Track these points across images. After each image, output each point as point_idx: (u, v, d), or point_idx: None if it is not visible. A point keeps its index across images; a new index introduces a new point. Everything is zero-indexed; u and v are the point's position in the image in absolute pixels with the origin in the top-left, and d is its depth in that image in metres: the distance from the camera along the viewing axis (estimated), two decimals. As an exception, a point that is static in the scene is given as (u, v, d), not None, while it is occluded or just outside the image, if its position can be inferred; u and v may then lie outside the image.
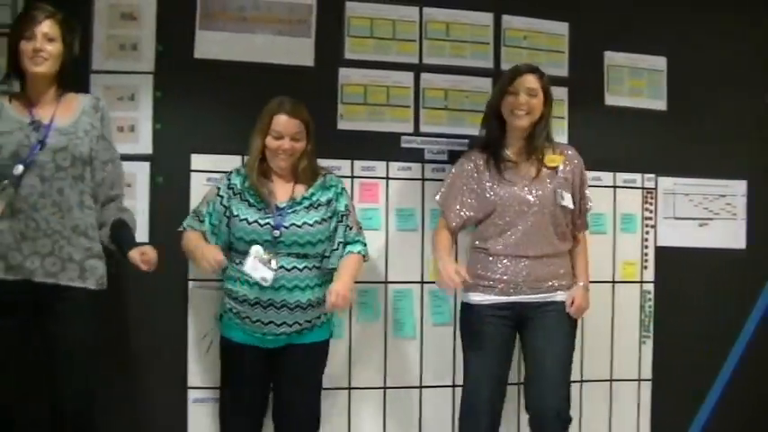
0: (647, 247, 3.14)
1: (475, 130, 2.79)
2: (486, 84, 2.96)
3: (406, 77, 2.91)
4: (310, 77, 2.81)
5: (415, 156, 2.91)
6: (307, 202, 2.39)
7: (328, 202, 2.42)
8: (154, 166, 2.65)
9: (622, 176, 3.10)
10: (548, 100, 2.52)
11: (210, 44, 2.73)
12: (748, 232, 3.26)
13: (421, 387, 2.89)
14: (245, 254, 2.30)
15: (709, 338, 3.21)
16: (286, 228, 2.32)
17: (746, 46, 3.31)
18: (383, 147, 2.86)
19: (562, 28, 3.06)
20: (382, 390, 2.84)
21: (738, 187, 3.26)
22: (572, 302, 2.50)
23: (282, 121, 2.36)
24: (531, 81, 2.47)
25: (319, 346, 2.47)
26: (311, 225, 2.36)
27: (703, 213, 3.23)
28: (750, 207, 3.27)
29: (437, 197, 2.62)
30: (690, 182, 3.21)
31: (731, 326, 3.22)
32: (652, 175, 3.15)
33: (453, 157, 2.87)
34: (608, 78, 3.12)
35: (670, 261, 3.16)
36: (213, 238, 2.37)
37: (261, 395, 2.48)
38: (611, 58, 3.13)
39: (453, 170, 2.61)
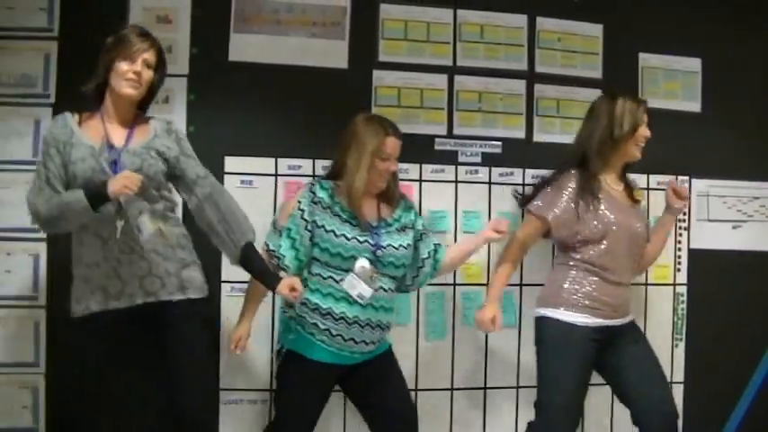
0: (680, 249, 3.19)
1: (508, 133, 2.92)
2: (519, 86, 3.02)
3: (440, 79, 2.97)
4: (344, 80, 2.88)
5: (449, 158, 2.98)
6: (397, 225, 2.48)
7: (412, 225, 2.53)
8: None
9: (656, 178, 3.14)
10: None
11: (245, 47, 2.81)
12: (782, 234, 3.31)
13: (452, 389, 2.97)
14: (337, 268, 2.36)
15: (743, 341, 3.25)
16: (384, 248, 2.40)
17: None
18: (417, 149, 2.90)
19: (596, 30, 3.11)
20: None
21: None
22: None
23: (392, 143, 2.43)
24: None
25: (389, 353, 2.55)
26: (405, 248, 2.46)
27: (737, 215, 3.26)
28: (784, 209, 3.31)
29: (532, 207, 2.63)
30: (724, 183, 3.25)
31: (765, 328, 3.26)
32: (686, 177, 3.20)
33: (486, 159, 2.94)
34: (642, 80, 3.17)
35: (703, 263, 3.20)
36: (292, 252, 2.38)
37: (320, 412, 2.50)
38: (646, 59, 3.17)
39: (556, 184, 2.60)
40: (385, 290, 2.40)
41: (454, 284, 2.96)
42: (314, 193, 2.41)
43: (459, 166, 2.97)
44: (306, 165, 2.86)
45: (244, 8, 2.80)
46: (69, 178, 2.16)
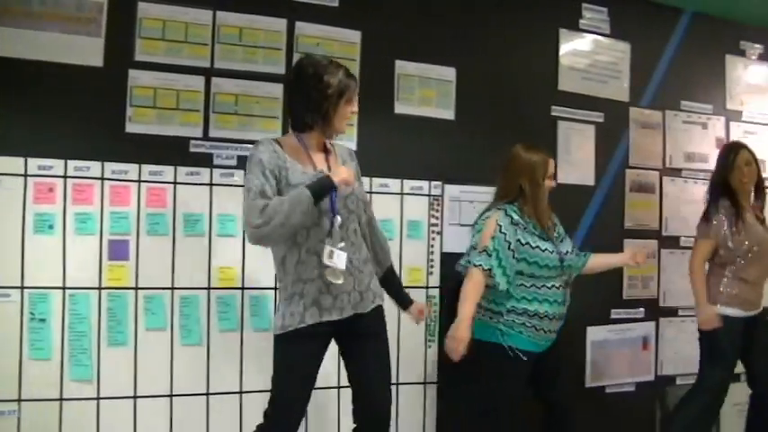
0: (432, 253, 4.04)
1: (265, 136, 3.49)
2: (277, 89, 3.68)
3: (197, 81, 3.54)
4: (99, 78, 3.37)
5: (204, 161, 3.55)
6: (560, 235, 3.57)
7: (567, 236, 3.62)
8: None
9: (410, 183, 3.96)
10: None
11: (-7, 40, 3.19)
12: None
13: (208, 394, 3.55)
14: (538, 278, 3.42)
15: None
16: (565, 254, 3.47)
17: (532, 60, 4.39)
18: (171, 151, 3.47)
19: (355, 36, 3.85)
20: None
21: None
22: None
23: (552, 165, 3.55)
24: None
25: None
26: (572, 253, 3.54)
27: (487, 220, 4.18)
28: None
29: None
30: (475, 189, 4.14)
31: None
32: (439, 183, 4.06)
33: (242, 162, 3.50)
34: (398, 87, 3.98)
35: (455, 266, 4.05)
36: (500, 271, 3.32)
37: None
38: (402, 67, 4.00)
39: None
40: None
41: (208, 288, 3.55)
42: (511, 216, 3.40)
43: (214, 169, 3.55)
44: (57, 165, 3.31)
45: (-9, -2, 3.16)
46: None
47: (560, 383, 3.61)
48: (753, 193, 4.15)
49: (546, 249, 3.41)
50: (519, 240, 3.37)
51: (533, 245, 3.39)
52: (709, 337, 4.00)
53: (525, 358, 3.37)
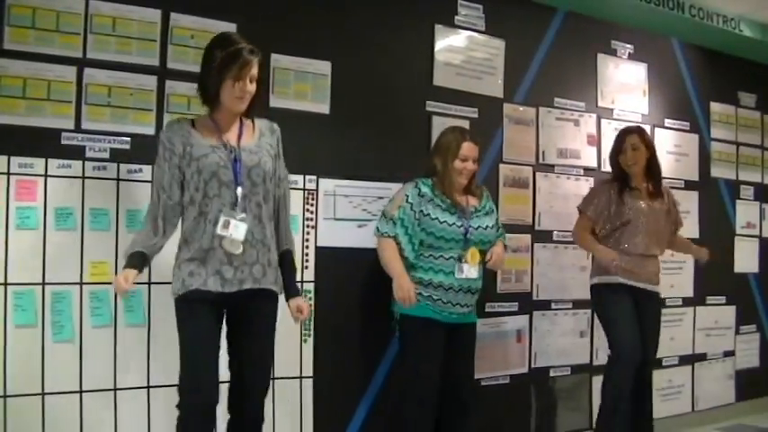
0: (307, 247, 4.34)
1: (138, 128, 3.79)
2: (151, 81, 3.90)
3: (69, 72, 3.69)
4: (-36, 67, 3.50)
5: (76, 153, 3.68)
6: (482, 210, 4.11)
7: (492, 211, 4.17)
8: None
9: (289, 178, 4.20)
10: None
11: None
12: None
13: (81, 392, 3.71)
14: (436, 249, 3.98)
15: (367, 336, 4.50)
16: (475, 229, 3.98)
17: (407, 55, 4.76)
18: (42, 143, 3.62)
19: (230, 28, 4.01)
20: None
21: (396, 189, 4.50)
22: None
23: (468, 147, 4.04)
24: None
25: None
26: (492, 228, 4.11)
27: (362, 215, 4.53)
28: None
29: None
30: (350, 184, 4.48)
31: (388, 324, 4.28)
32: (314, 177, 4.38)
33: (115, 155, 3.76)
34: (273, 80, 4.26)
35: (330, 261, 4.39)
36: (406, 238, 3.96)
37: None
38: (277, 60, 4.28)
39: None
40: None
41: (81, 284, 3.72)
42: (419, 189, 4.00)
43: (86, 162, 3.68)
44: None
45: None
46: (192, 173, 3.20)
47: (459, 366, 4.14)
48: (644, 176, 4.79)
49: (445, 221, 3.96)
50: (422, 211, 3.96)
51: (433, 216, 3.97)
52: (601, 307, 4.85)
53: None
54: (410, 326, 4.02)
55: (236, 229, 3.18)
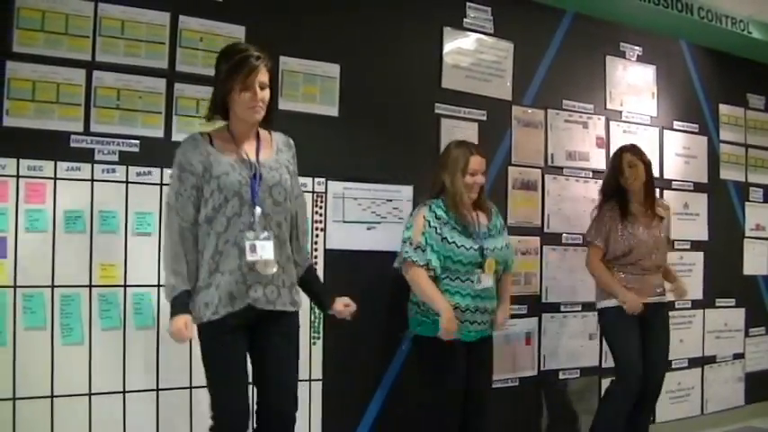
0: (316, 249, 4.31)
1: (147, 131, 3.77)
2: (159, 84, 3.88)
3: (78, 74, 3.69)
4: (-27, 71, 3.49)
5: (85, 156, 3.67)
6: (495, 230, 4.09)
7: (503, 229, 4.17)
8: None
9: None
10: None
11: None
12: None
13: (90, 394, 3.69)
14: (453, 272, 3.94)
15: (377, 339, 4.48)
16: (491, 251, 3.97)
17: (416, 58, 4.74)
18: (51, 146, 3.61)
19: (239, 31, 4.07)
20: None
21: (405, 192, 4.58)
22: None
23: (476, 161, 3.96)
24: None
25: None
26: (507, 248, 4.10)
27: (372, 217, 4.51)
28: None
29: None
30: (359, 186, 4.47)
31: (397, 327, 4.32)
32: (323, 180, 4.36)
33: (124, 158, 3.75)
34: (283, 83, 4.24)
35: (339, 263, 4.36)
36: (435, 256, 3.92)
37: None
38: (286, 63, 4.27)
39: None
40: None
41: (90, 286, 3.71)
42: (435, 212, 3.96)
43: (95, 165, 3.67)
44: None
45: None
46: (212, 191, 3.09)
47: (480, 378, 4.11)
48: (643, 191, 4.72)
49: (462, 246, 3.93)
50: (440, 234, 3.93)
51: (450, 240, 3.92)
52: (608, 332, 4.83)
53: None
54: (432, 347, 3.96)
55: (264, 250, 3.10)
